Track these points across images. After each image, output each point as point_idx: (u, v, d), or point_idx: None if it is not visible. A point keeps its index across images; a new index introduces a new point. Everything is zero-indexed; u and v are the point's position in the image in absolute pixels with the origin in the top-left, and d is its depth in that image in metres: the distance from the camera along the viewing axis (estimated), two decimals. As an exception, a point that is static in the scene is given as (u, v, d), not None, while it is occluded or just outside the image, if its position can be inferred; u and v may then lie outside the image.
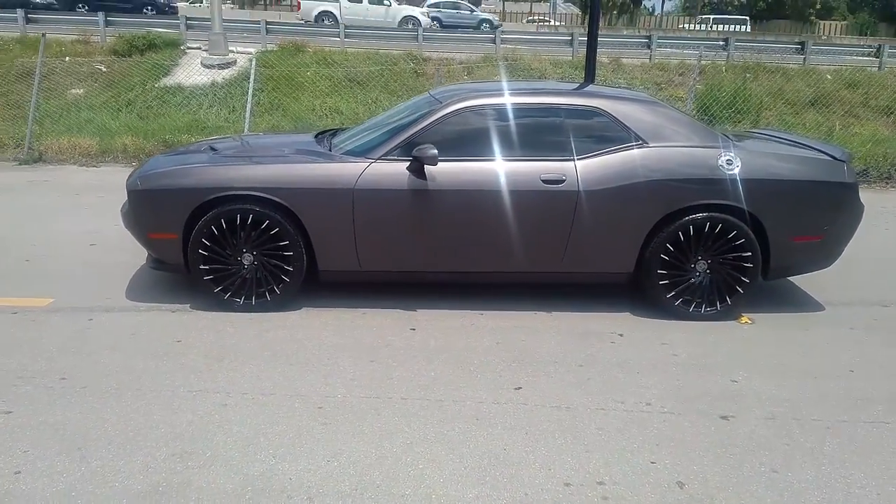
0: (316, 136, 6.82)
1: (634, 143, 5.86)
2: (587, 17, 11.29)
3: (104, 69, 17.48)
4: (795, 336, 5.78)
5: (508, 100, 6.05)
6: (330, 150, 6.20)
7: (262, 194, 5.68)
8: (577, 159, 5.79)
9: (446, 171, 5.73)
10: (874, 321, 6.14)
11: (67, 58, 17.64)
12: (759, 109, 16.11)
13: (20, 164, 12.08)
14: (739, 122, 15.12)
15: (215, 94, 16.53)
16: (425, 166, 5.69)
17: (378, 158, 5.81)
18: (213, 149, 6.47)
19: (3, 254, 7.24)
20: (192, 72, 17.44)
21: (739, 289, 5.94)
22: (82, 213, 8.84)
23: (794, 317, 6.20)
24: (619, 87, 14.49)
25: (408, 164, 5.74)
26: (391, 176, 5.75)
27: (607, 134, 5.91)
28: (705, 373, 5.09)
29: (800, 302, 6.54)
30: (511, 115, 5.97)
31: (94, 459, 3.84)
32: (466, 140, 5.89)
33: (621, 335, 5.68)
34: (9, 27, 20.49)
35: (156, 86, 16.82)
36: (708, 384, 4.92)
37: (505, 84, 6.47)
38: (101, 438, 4.03)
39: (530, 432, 4.26)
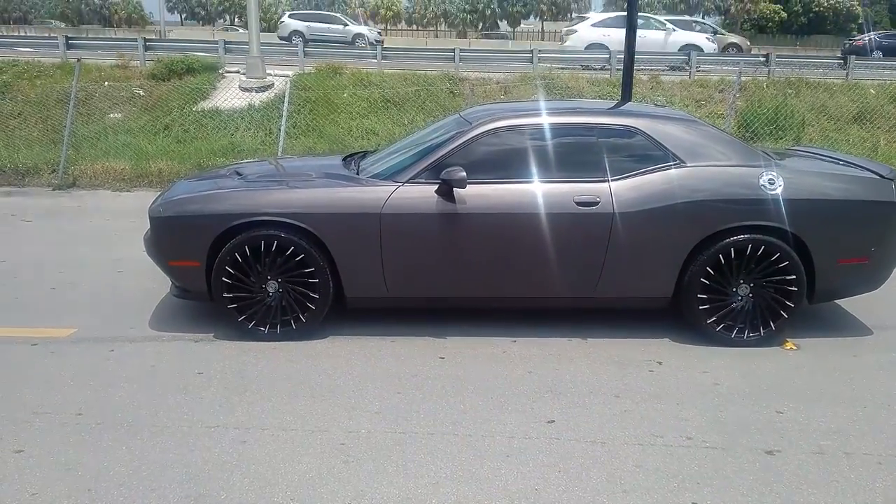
0: (344, 159, 6.67)
1: (671, 163, 5.64)
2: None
3: (142, 93, 17.56)
4: (843, 362, 5.50)
5: (540, 119, 5.87)
6: (357, 174, 6.05)
7: (286, 220, 5.52)
8: (612, 180, 5.58)
9: (476, 193, 5.54)
10: (926, 346, 5.83)
11: (107, 83, 17.75)
12: (801, 125, 15.80)
13: (54, 190, 12.07)
14: (781, 138, 14.80)
15: (252, 117, 16.51)
16: (454, 189, 5.51)
17: (406, 182, 5.64)
18: (238, 173, 6.34)
19: (29, 282, 7.15)
20: (229, 95, 17.45)
21: (784, 313, 5.66)
22: (111, 240, 8.76)
23: (840, 342, 5.90)
24: (656, 104, 14.24)
25: (436, 187, 5.55)
26: (419, 199, 5.57)
27: (643, 154, 5.69)
28: (749, 403, 4.83)
29: (847, 326, 6.24)
30: (543, 136, 5.78)
31: (103, 502, 3.68)
32: (497, 162, 5.71)
33: (660, 363, 5.44)
34: (51, 53, 20.70)
35: (193, 109, 16.85)
36: (752, 416, 4.66)
37: (537, 103, 6.29)
38: (112, 479, 3.87)
39: (564, 470, 4.03)
